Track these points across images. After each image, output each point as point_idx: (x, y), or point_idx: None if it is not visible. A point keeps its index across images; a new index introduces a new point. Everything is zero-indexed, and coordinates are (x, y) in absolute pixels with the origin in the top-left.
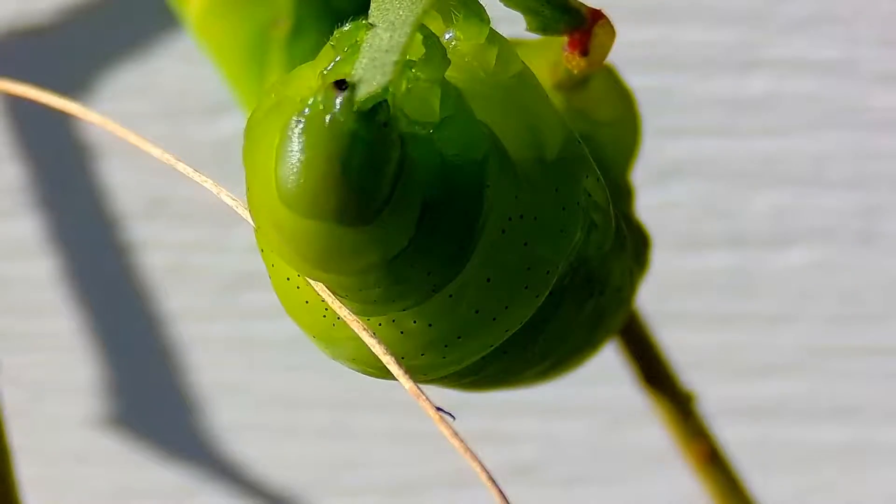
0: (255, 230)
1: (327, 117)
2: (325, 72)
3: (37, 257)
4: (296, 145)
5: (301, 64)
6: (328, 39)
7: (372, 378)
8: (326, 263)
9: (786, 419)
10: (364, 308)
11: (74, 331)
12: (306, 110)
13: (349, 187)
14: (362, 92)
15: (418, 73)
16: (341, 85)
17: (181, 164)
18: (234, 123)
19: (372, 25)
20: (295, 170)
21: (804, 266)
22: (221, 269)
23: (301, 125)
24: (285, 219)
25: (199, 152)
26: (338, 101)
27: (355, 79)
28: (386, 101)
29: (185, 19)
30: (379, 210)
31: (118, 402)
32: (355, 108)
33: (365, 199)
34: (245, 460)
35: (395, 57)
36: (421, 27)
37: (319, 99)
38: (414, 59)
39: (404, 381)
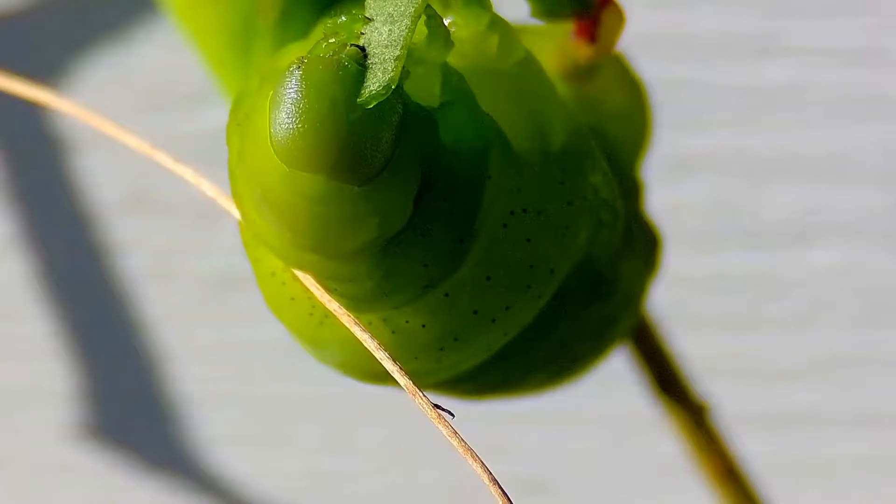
0: (240, 221)
1: (335, 59)
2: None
3: (9, 257)
4: (300, 87)
5: None
6: (319, 24)
7: (363, 384)
8: (318, 236)
9: (806, 429)
10: (354, 304)
11: (49, 335)
12: (306, 58)
13: (351, 136)
14: (364, 92)
15: (419, 56)
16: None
17: (159, 154)
18: (217, 114)
19: (369, 19)
20: (295, 113)
21: (826, 267)
22: (206, 271)
23: (305, 64)
24: (278, 182)
25: (180, 145)
26: (346, 50)
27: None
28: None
29: (166, 4)
30: (378, 170)
31: (96, 411)
32: (360, 59)
33: (366, 151)
34: (230, 473)
35: (395, 53)
36: (426, 7)
37: (326, 44)
38: (414, 42)
39: (398, 377)
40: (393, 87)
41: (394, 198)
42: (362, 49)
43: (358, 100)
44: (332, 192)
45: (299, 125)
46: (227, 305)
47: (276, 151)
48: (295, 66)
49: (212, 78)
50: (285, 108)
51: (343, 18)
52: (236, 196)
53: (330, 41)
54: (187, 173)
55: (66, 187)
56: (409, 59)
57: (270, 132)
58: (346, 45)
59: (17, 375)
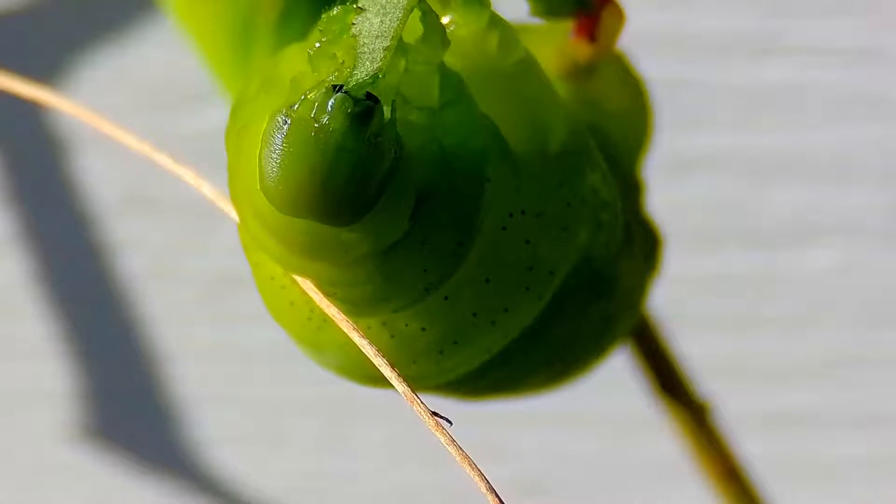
0: (238, 225)
1: (316, 125)
2: (311, 52)
3: (7, 257)
4: (282, 147)
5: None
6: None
7: (363, 386)
8: (313, 253)
9: (808, 430)
10: (353, 308)
11: (48, 336)
12: (296, 105)
13: (332, 196)
14: (351, 81)
15: (416, 55)
16: (336, 87)
17: (159, 155)
18: (217, 114)
19: (361, 9)
20: (278, 169)
21: (828, 267)
22: (205, 271)
23: (288, 125)
24: (268, 208)
25: (180, 145)
26: (330, 104)
27: (348, 78)
28: (381, 104)
29: (165, 3)
30: (365, 211)
31: (94, 412)
32: (348, 113)
33: (348, 206)
34: (229, 474)
35: (385, 43)
36: (419, 3)
37: (312, 98)
38: (411, 41)
39: (397, 383)
40: (380, 76)
41: (387, 223)
42: (348, 93)
43: (345, 88)
44: (317, 229)
45: (281, 184)
46: (227, 306)
47: (263, 192)
48: (281, 119)
49: (212, 77)
50: (270, 162)
51: (336, 10)
52: (235, 201)
53: (315, 94)
54: (187, 174)
55: (65, 187)
56: (406, 58)
57: (258, 173)
58: (332, 92)
59: (16, 376)
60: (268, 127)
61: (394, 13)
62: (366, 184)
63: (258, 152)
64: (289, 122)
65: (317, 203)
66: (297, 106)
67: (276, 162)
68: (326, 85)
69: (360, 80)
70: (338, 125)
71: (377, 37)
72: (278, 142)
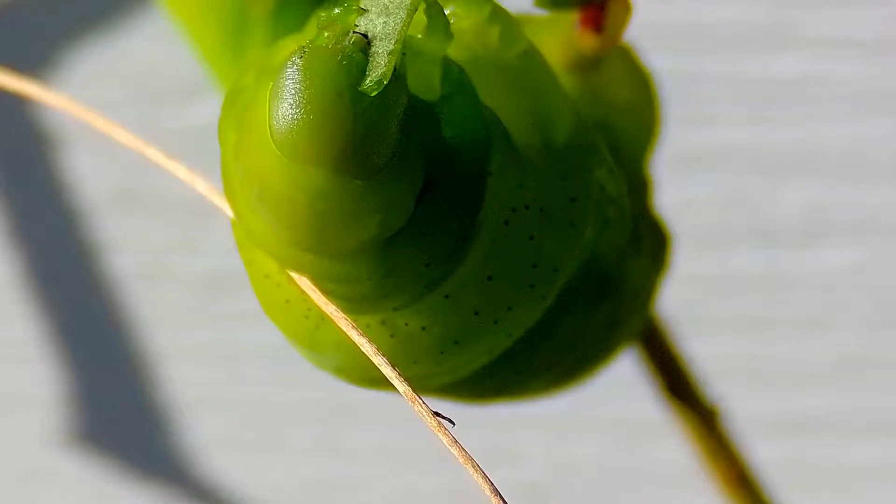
0: (233, 220)
1: (339, 48)
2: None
3: None
4: (301, 77)
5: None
6: (314, 17)
7: (362, 388)
8: (317, 233)
9: (820, 434)
10: (351, 306)
11: (36, 338)
12: (309, 44)
13: (357, 126)
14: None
15: (419, 48)
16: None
17: (151, 149)
18: (210, 109)
19: (364, 10)
20: (298, 104)
21: (841, 267)
22: (199, 271)
23: (307, 56)
24: (278, 176)
25: (172, 140)
26: (349, 39)
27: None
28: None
29: None
30: (383, 164)
31: (84, 416)
32: (365, 46)
33: (372, 143)
34: (224, 480)
35: (390, 46)
36: None
37: (325, 34)
38: (414, 33)
39: (397, 383)
40: (385, 82)
41: (396, 194)
42: (365, 36)
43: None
44: (333, 186)
45: (303, 116)
46: (221, 306)
47: (278, 144)
48: (297, 55)
49: (205, 70)
50: (288, 99)
51: (337, 10)
52: (230, 194)
53: (330, 31)
54: (179, 169)
55: (53, 184)
56: (409, 51)
57: (271, 124)
58: (348, 32)
59: (3, 379)
60: (283, 69)
61: (398, 13)
62: (389, 117)
63: (269, 104)
64: (306, 50)
65: (342, 133)
66: (311, 43)
67: (296, 94)
68: (339, 28)
69: (365, 87)
70: (357, 53)
71: (381, 39)
72: (297, 74)
